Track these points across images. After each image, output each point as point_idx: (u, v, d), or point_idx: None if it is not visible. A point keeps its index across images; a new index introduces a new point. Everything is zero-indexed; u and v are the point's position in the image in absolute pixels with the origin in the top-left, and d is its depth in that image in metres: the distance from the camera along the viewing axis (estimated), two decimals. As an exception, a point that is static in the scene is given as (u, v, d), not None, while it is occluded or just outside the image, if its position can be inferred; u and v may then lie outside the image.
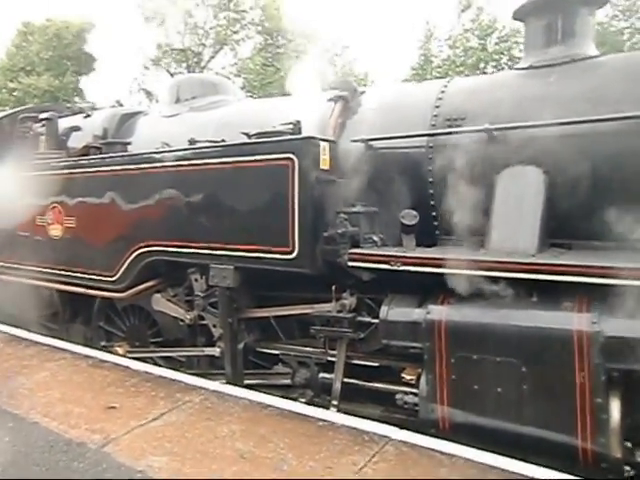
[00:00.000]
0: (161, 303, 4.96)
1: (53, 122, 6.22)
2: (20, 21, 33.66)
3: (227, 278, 4.27)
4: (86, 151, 5.45)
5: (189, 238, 4.50)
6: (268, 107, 5.29)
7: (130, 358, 5.29)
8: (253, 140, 4.23)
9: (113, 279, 5.13)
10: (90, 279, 5.35)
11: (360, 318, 3.94)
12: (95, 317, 5.90)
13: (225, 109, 5.47)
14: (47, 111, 6.58)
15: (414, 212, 3.55)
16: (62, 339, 5.70)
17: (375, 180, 3.99)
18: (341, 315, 3.93)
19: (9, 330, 5.90)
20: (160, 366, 4.93)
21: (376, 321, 3.73)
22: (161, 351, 5.20)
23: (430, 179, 3.88)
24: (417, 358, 3.48)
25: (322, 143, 3.96)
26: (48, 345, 5.33)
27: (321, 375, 4.23)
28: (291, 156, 3.89)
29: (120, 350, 5.35)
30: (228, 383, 4.33)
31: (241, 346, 4.50)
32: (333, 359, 4.10)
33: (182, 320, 4.82)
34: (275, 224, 3.99)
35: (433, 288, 3.41)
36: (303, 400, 4.15)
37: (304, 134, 4.08)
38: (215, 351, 4.61)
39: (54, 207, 5.60)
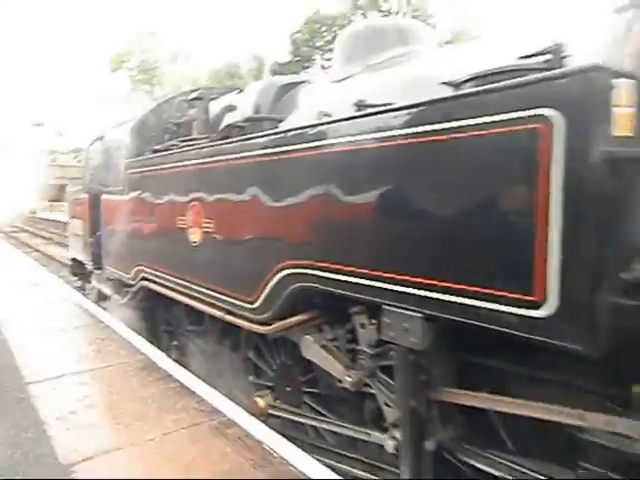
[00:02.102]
0: (313, 350, 3.36)
1: (203, 102, 5.10)
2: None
3: (411, 333, 2.45)
4: (226, 133, 4.12)
5: (351, 259, 2.80)
6: (480, 52, 3.31)
7: (272, 415, 3.84)
8: (464, 92, 2.33)
9: (253, 306, 3.71)
10: (228, 302, 4.03)
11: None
12: (243, 346, 4.62)
13: (412, 64, 3.65)
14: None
15: None
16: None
17: None
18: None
19: (150, 352, 4.94)
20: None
21: None
22: (310, 417, 3.62)
23: None
24: None
25: (621, 82, 1.89)
26: (178, 383, 4.15)
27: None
28: (547, 113, 1.91)
29: (261, 402, 3.93)
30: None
31: (431, 446, 2.66)
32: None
33: (340, 381, 3.17)
34: (506, 247, 2.06)
35: None
36: None
37: (574, 66, 2.05)
38: (387, 443, 2.85)
39: (194, 206, 4.42)
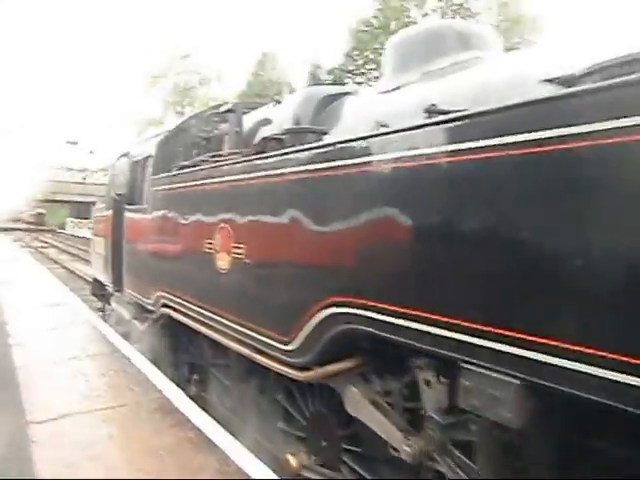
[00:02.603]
0: (360, 405, 2.78)
1: (235, 115, 4.65)
2: (260, 51, 36.97)
3: (502, 404, 1.86)
4: (262, 147, 3.64)
5: (419, 301, 2.24)
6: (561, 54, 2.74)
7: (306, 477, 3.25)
8: (599, 84, 1.76)
9: (288, 348, 3.15)
10: (258, 340, 3.49)
11: None
12: (271, 387, 4.06)
13: (478, 71, 3.12)
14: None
15: None
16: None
17: None
18: None
19: (167, 390, 4.40)
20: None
21: None
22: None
23: None
24: None
25: None
26: (197, 431, 3.59)
27: None
28: None
29: (293, 461, 3.35)
30: None
31: None
32: None
33: (395, 449, 2.57)
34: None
35: None
36: None
37: None
38: None
39: (223, 228, 3.92)
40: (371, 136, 2.51)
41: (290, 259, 3.10)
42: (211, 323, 4.24)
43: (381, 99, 3.62)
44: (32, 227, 55.99)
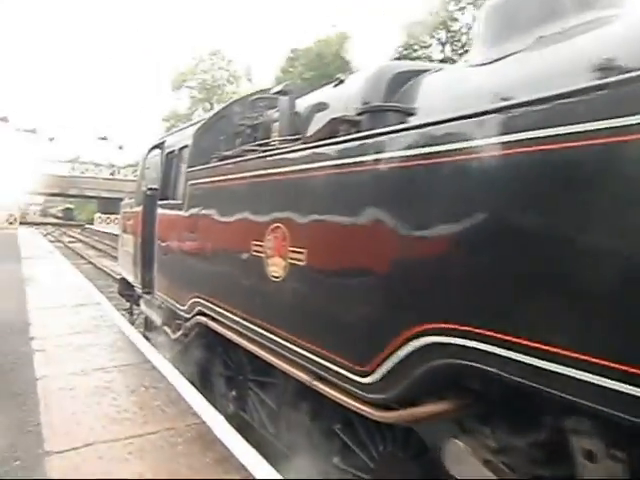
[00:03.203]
0: (469, 467, 2.12)
1: (288, 98, 4.04)
2: (289, 48, 36.46)
3: None
4: (332, 129, 2.99)
5: (577, 334, 1.58)
6: None
7: None
8: None
9: (365, 380, 2.51)
10: (321, 365, 2.86)
11: None
12: (327, 414, 3.44)
13: (615, 30, 2.43)
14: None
15: None
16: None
17: None
18: None
19: (210, 416, 3.80)
20: None
21: None
22: None
23: None
24: None
25: None
26: (245, 471, 2.98)
27: None
28: None
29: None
30: None
31: None
32: None
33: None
34: None
35: None
36: None
37: None
38: None
39: (276, 228, 3.30)
40: (504, 108, 1.84)
41: (371, 269, 2.46)
42: (256, 337, 3.64)
43: (477, 73, 2.94)
44: (61, 222, 56.73)
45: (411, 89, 3.26)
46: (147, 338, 6.02)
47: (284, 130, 4.02)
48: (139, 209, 6.64)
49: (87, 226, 48.66)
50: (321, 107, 4.02)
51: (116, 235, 33.54)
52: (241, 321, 3.80)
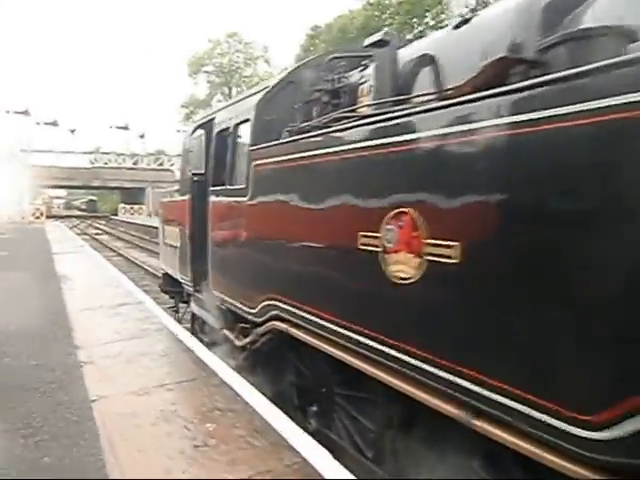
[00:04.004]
0: None
1: (388, 50, 3.22)
2: (309, 26, 35.31)
3: None
4: (497, 74, 2.16)
5: None
6: None
7: None
8: None
9: (594, 436, 1.72)
10: (488, 399, 2.08)
11: None
12: (457, 444, 2.67)
13: None
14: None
15: None
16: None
17: None
18: None
19: (311, 450, 3.07)
20: None
21: None
22: None
23: None
24: None
25: None
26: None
27: None
28: None
29: None
30: None
31: None
32: None
33: None
34: None
35: None
36: None
37: None
38: None
39: (401, 215, 2.51)
40: None
41: (601, 276, 1.65)
42: (363, 350, 2.89)
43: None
44: (85, 214, 56.90)
45: (578, 16, 2.38)
46: (203, 343, 5.32)
47: (382, 91, 3.20)
48: (186, 198, 5.91)
49: (112, 217, 48.62)
50: (424, 61, 3.19)
51: (142, 225, 33.36)
52: (343, 331, 3.05)
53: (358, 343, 2.94)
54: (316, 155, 3.29)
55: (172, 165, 40.38)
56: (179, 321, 6.96)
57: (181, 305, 7.39)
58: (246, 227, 4.29)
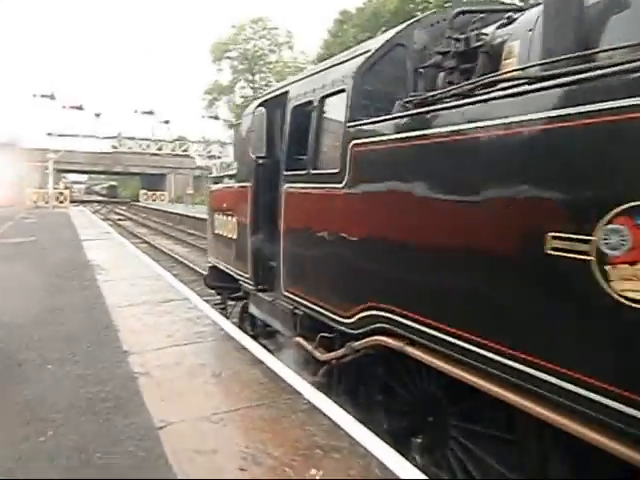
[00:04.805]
0: None
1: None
2: (338, 10, 34.20)
3: None
4: None
5: None
6: None
7: None
8: None
9: None
10: None
11: None
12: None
13: None
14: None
15: None
16: None
17: None
18: None
19: None
20: None
21: None
22: None
23: None
24: None
25: None
26: None
27: None
28: None
29: None
30: None
31: None
32: None
33: None
34: None
35: None
36: None
37: None
38: None
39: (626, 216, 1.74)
40: None
41: None
42: (542, 391, 2.15)
43: None
44: (106, 199, 56.78)
45: None
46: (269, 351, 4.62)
47: (554, 44, 2.41)
48: (247, 184, 5.17)
49: (133, 203, 48.31)
50: (624, 4, 2.40)
51: (164, 211, 32.88)
52: (491, 356, 2.32)
53: (526, 376, 2.21)
54: (463, 131, 2.52)
55: (195, 151, 39.73)
56: (227, 317, 6.25)
57: (231, 304, 6.70)
58: (340, 219, 3.55)
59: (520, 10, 3.07)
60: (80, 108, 31.80)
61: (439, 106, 2.71)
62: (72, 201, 34.35)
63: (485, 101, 2.46)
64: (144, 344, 4.68)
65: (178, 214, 29.48)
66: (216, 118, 44.77)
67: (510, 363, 2.30)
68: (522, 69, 2.44)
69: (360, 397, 3.93)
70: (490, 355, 2.40)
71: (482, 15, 3.23)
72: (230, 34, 48.21)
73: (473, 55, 3.00)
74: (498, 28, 3.02)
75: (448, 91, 2.76)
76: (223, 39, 48.24)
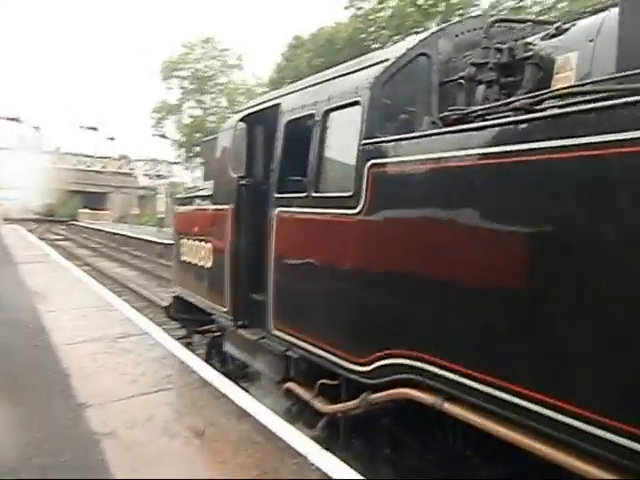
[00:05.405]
0: None
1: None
2: (292, 35, 34.20)
3: None
4: None
5: None
6: None
7: None
8: None
9: None
10: None
11: None
12: None
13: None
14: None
15: None
16: None
17: None
18: None
19: None
20: None
21: None
22: None
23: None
24: None
25: None
26: None
27: None
28: None
29: None
30: None
31: None
32: None
33: None
34: None
35: None
36: None
37: None
38: None
39: None
40: None
41: None
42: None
43: None
44: (42, 218, 53.61)
45: None
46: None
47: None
48: (226, 207, 4.60)
49: (72, 223, 45.81)
50: None
51: (106, 232, 31.24)
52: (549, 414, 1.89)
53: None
54: (526, 151, 2.12)
55: (142, 171, 38.31)
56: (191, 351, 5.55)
57: (197, 337, 6.02)
58: (353, 249, 3.07)
59: (567, 22, 2.76)
60: (17, 120, 29.93)
61: (495, 122, 2.30)
62: (5, 219, 32.00)
63: (558, 116, 2.07)
64: (104, 393, 3.95)
65: (121, 235, 28.08)
66: (164, 137, 43.49)
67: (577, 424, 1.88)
68: (603, 80, 2.08)
69: (373, 454, 3.41)
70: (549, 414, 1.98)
71: (521, 25, 2.90)
72: (181, 53, 47.30)
73: (518, 67, 2.64)
74: (543, 39, 2.68)
75: (504, 104, 2.37)
76: (173, 58, 47.25)
